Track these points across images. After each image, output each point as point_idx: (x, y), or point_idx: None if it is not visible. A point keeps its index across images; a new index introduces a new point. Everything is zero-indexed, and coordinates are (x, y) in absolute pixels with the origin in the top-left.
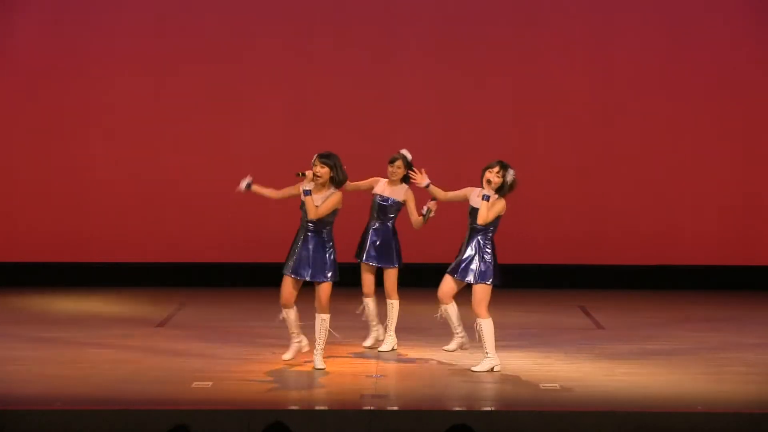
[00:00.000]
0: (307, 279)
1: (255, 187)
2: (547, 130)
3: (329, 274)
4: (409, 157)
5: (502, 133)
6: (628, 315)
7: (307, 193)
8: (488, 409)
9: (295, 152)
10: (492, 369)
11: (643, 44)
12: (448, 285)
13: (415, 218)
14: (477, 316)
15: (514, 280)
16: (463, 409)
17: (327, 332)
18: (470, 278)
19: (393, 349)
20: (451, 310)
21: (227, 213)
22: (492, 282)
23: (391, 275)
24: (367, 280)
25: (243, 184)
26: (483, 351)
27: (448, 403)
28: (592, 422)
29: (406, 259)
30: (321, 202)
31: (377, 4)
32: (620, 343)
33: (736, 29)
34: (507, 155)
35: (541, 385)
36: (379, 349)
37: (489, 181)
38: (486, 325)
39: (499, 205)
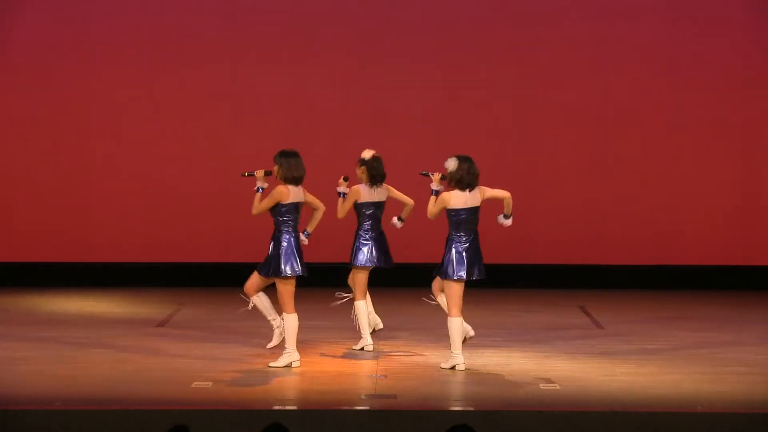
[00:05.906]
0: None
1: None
2: (548, 130)
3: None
4: (367, 156)
5: (503, 134)
6: (628, 315)
7: (259, 189)
8: (488, 409)
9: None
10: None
11: (643, 45)
12: (437, 284)
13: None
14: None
15: (514, 280)
16: (463, 409)
17: (291, 331)
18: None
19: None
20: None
21: (227, 213)
22: (445, 277)
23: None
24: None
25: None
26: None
27: (448, 403)
28: (592, 422)
29: (400, 259)
30: None
31: (378, 7)
32: (620, 343)
33: (737, 30)
34: (508, 156)
35: (541, 385)
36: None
37: (429, 173)
38: (451, 324)
39: (443, 198)
